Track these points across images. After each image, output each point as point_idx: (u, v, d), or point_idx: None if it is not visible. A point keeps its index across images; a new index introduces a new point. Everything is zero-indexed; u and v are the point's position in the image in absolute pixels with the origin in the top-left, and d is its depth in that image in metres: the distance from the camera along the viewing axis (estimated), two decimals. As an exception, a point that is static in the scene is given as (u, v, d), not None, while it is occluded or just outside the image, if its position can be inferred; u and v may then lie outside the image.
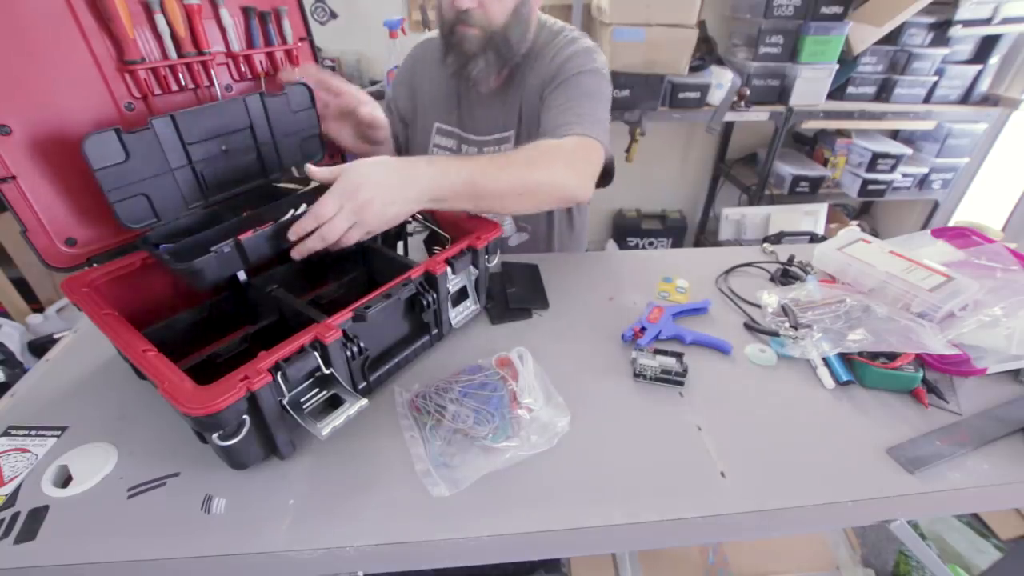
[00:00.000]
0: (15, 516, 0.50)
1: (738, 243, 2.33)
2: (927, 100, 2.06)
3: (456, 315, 0.72)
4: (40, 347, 1.69)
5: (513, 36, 0.87)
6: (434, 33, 1.02)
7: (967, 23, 1.90)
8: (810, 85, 1.93)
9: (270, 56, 0.78)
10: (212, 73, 0.72)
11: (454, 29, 0.87)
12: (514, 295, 0.80)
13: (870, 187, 2.13)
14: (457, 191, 0.66)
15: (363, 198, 0.59)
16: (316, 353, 0.52)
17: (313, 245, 0.60)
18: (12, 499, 0.51)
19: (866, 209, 2.71)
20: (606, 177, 0.92)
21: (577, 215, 1.11)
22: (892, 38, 1.92)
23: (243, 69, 0.76)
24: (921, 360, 0.67)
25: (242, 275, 0.68)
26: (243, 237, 0.59)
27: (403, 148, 1.09)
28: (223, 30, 0.72)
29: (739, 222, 2.33)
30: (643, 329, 0.73)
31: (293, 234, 0.60)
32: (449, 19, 0.87)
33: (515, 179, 0.71)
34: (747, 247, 0.99)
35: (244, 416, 0.48)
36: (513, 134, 0.97)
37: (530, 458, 0.55)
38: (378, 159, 0.63)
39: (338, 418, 0.51)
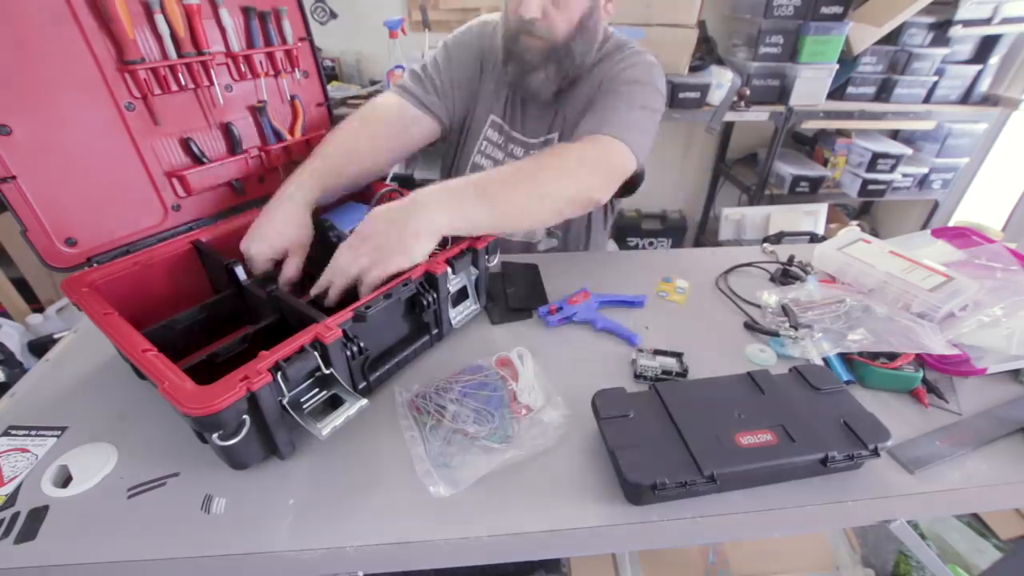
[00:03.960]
0: (15, 516, 0.50)
1: (738, 243, 2.33)
2: (927, 100, 2.06)
3: (456, 315, 0.72)
4: (40, 347, 1.69)
5: (577, 49, 0.85)
6: (494, 16, 0.98)
7: (967, 23, 1.90)
8: (810, 85, 1.93)
9: (270, 56, 0.78)
10: (212, 73, 0.72)
11: (517, 38, 0.85)
12: (514, 295, 0.80)
13: (870, 187, 2.13)
14: (476, 223, 0.68)
15: (373, 244, 0.63)
16: (316, 353, 0.52)
17: (332, 294, 0.65)
18: (12, 499, 0.51)
19: (866, 209, 2.71)
20: (632, 187, 0.92)
21: (610, 215, 1.11)
22: (892, 38, 1.92)
23: (243, 69, 0.76)
24: (921, 360, 0.67)
25: (242, 275, 0.68)
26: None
27: (453, 132, 1.01)
28: (223, 30, 0.72)
29: (739, 222, 2.33)
30: (559, 308, 0.75)
31: (316, 288, 0.65)
32: (512, 28, 0.85)
33: (529, 195, 0.71)
34: (747, 247, 0.99)
35: (244, 416, 0.48)
36: (557, 136, 0.96)
37: (530, 458, 0.56)
38: (390, 206, 0.65)
39: (338, 418, 0.50)
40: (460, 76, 0.95)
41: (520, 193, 0.71)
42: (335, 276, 0.64)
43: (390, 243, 0.62)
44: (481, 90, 0.97)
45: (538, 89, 0.89)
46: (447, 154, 1.07)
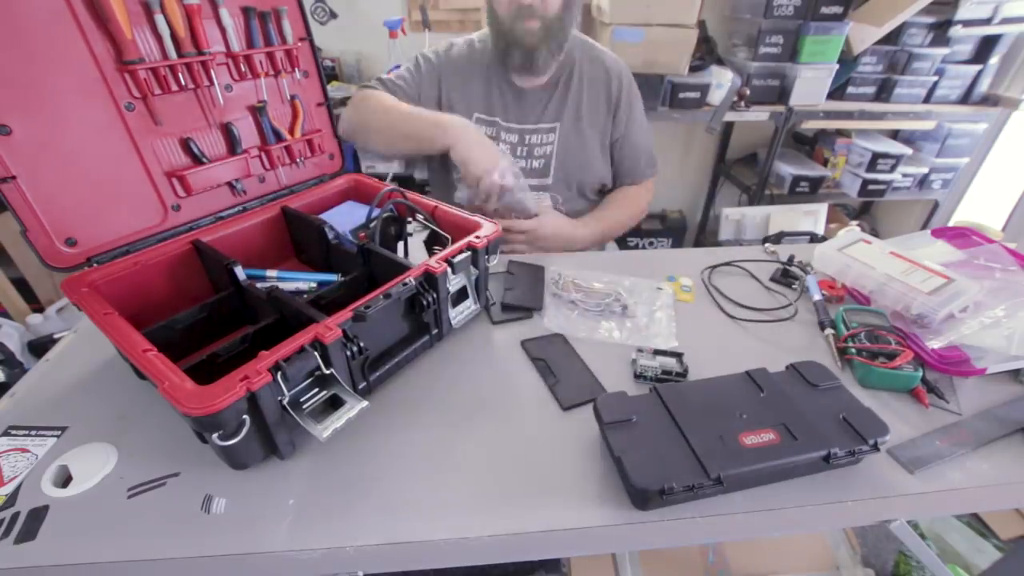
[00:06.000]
0: (15, 516, 0.50)
1: (738, 243, 2.33)
2: (927, 100, 2.06)
3: (456, 315, 0.72)
4: (40, 347, 1.69)
5: (567, 21, 1.00)
6: (457, 39, 1.14)
7: (967, 23, 1.89)
8: (810, 85, 1.93)
9: (270, 56, 0.78)
10: (212, 73, 0.72)
11: (515, 26, 0.97)
12: (514, 295, 0.80)
13: (870, 187, 2.13)
14: (594, 241, 1.13)
15: (544, 245, 1.03)
16: (316, 353, 0.52)
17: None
18: (12, 499, 0.51)
19: (866, 209, 2.71)
20: None
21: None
22: (892, 38, 1.92)
23: (243, 69, 0.76)
24: (921, 360, 0.67)
25: (242, 275, 0.68)
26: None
27: None
28: (223, 30, 0.72)
29: (739, 222, 2.33)
30: None
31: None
32: (510, 16, 0.97)
33: (624, 228, 1.20)
34: (747, 247, 0.99)
35: (244, 416, 0.48)
36: (558, 125, 1.10)
37: (530, 457, 0.56)
38: (558, 222, 1.05)
39: (339, 420, 0.51)
40: (426, 91, 1.11)
41: (621, 228, 1.20)
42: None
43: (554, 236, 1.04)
44: (454, 97, 1.11)
45: (543, 66, 1.02)
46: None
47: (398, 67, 1.87)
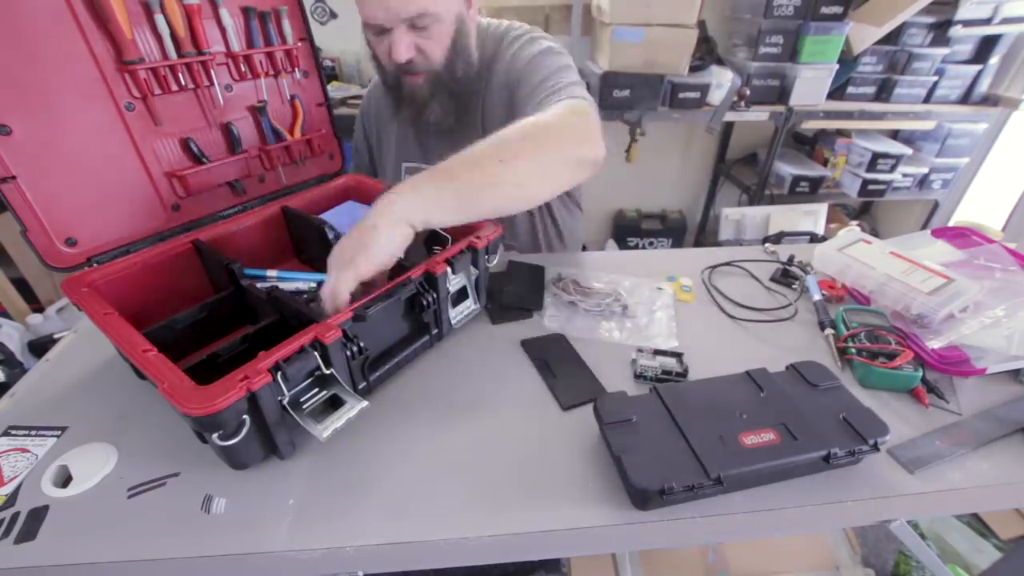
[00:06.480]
0: (15, 516, 0.50)
1: (738, 243, 2.33)
2: (927, 100, 2.06)
3: (456, 315, 0.72)
4: (40, 347, 1.69)
5: (458, 69, 0.85)
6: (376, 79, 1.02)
7: (967, 23, 1.90)
8: (810, 85, 1.94)
9: (270, 56, 0.78)
10: (212, 73, 0.72)
11: (399, 81, 0.85)
12: (514, 295, 0.80)
13: (870, 187, 2.14)
14: (449, 211, 0.63)
15: (348, 256, 0.58)
16: (316, 353, 0.52)
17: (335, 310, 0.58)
18: (12, 499, 0.51)
19: (866, 209, 2.71)
20: None
21: (565, 225, 1.10)
22: (892, 38, 1.92)
23: (243, 69, 0.76)
24: (921, 360, 0.67)
25: (242, 274, 0.68)
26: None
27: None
28: (223, 30, 0.72)
29: (739, 222, 2.33)
30: None
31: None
32: (391, 72, 0.85)
33: (511, 177, 0.65)
34: (747, 247, 0.99)
35: (244, 416, 0.48)
36: None
37: (530, 457, 0.56)
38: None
39: (339, 420, 0.50)
40: (362, 151, 1.11)
41: (489, 171, 0.65)
42: (328, 295, 0.59)
43: (352, 243, 0.59)
44: (382, 142, 1.05)
45: (438, 121, 0.89)
46: None
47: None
